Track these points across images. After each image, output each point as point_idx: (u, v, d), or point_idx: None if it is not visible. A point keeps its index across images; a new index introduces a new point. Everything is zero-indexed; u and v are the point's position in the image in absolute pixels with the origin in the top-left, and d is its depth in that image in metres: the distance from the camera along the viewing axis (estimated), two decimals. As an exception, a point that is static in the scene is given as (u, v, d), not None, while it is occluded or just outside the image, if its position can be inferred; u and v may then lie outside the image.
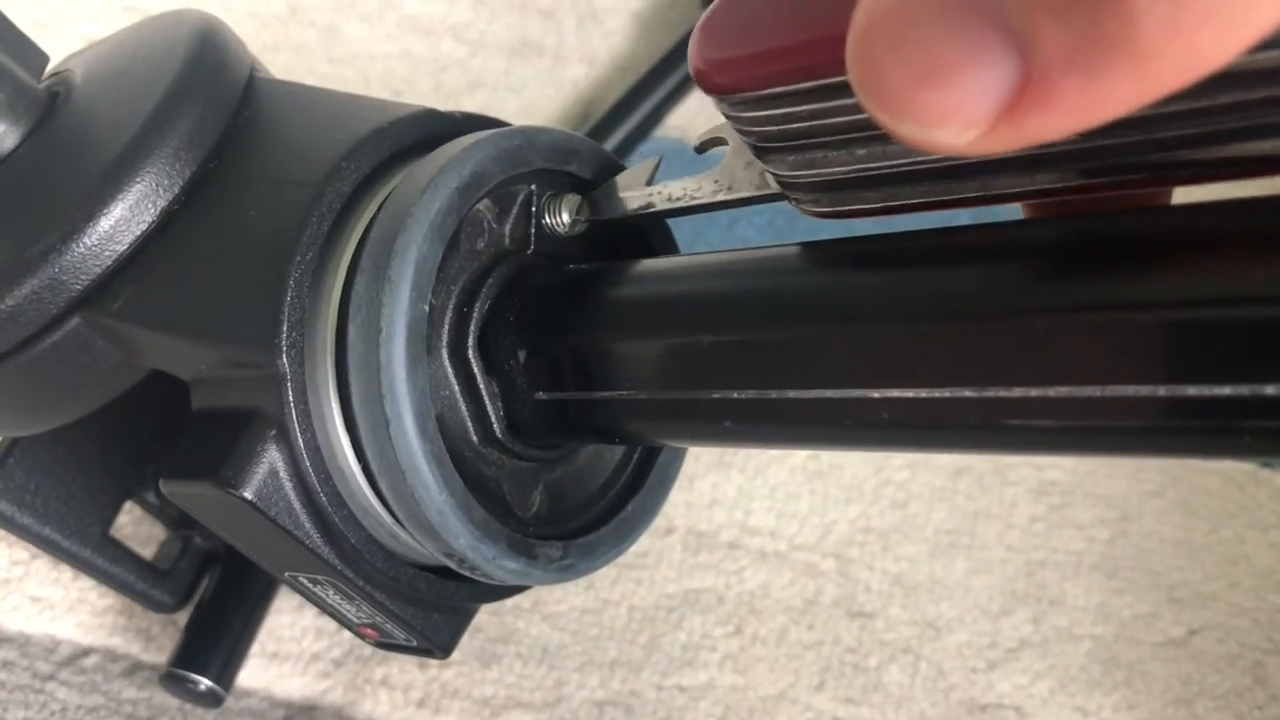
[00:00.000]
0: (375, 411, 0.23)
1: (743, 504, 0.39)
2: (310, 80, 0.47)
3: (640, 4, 0.49)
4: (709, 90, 0.20)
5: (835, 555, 0.38)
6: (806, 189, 0.21)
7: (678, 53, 0.46)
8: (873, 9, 0.14)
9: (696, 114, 0.47)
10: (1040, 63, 0.13)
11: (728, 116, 0.20)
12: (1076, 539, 0.39)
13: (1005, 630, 0.37)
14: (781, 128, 0.20)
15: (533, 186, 0.26)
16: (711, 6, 0.20)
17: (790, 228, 0.45)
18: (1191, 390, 0.16)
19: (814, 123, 0.19)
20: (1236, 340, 0.16)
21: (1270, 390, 0.15)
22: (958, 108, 0.13)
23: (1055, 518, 0.39)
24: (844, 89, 0.18)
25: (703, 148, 0.25)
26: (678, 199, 0.25)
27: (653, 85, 0.45)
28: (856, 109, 0.18)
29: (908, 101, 0.13)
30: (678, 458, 0.29)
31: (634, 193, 0.26)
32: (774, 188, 0.23)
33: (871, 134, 0.19)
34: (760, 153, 0.21)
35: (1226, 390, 0.16)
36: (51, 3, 0.49)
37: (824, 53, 0.18)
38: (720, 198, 0.24)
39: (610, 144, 0.44)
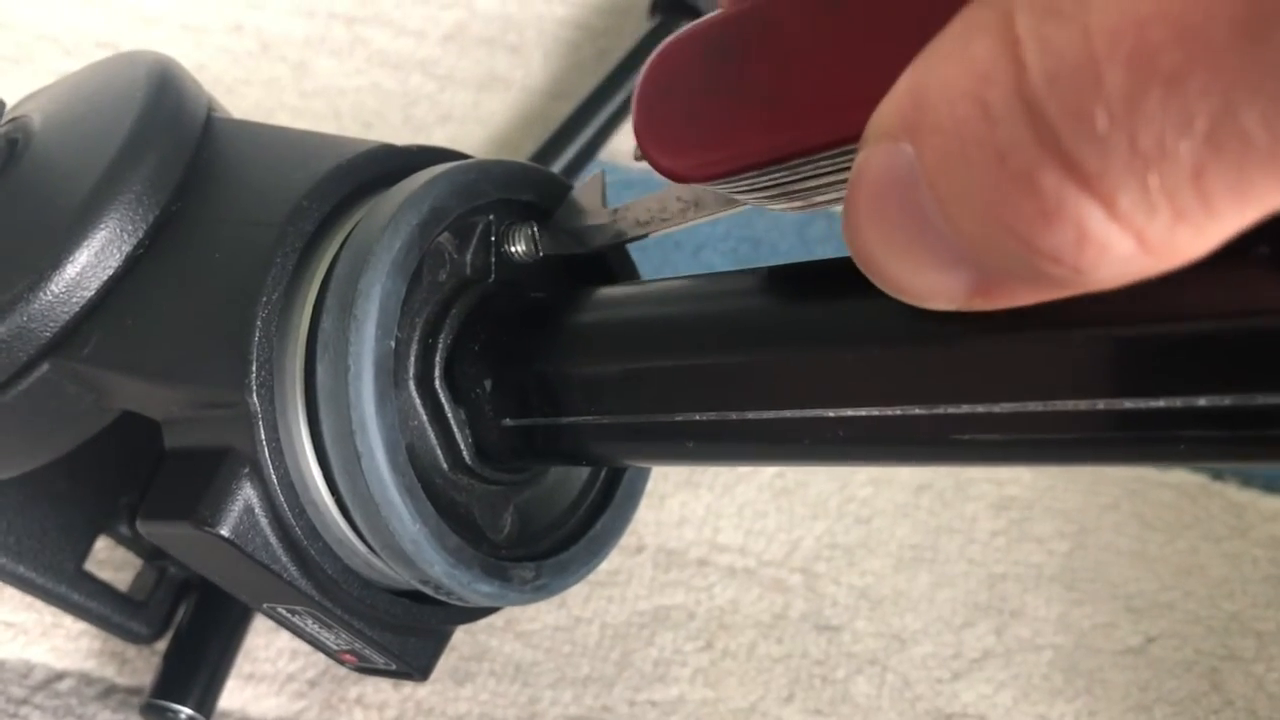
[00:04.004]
0: (347, 447, 0.24)
1: (711, 522, 0.40)
2: (282, 113, 0.48)
3: (607, 40, 0.51)
4: (669, 177, 0.21)
5: (802, 570, 0.39)
6: (779, 202, 0.22)
7: (616, 77, 0.47)
8: (858, 206, 0.16)
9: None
10: (991, 279, 0.15)
11: None
12: (1036, 552, 0.40)
13: (969, 641, 0.38)
14: (750, 190, 0.21)
15: (491, 216, 0.27)
16: (640, 89, 0.21)
17: (754, 254, 0.46)
18: (1128, 404, 0.17)
19: (781, 181, 0.20)
20: (1168, 356, 0.17)
21: (1202, 402, 0.16)
22: (933, 295, 0.16)
23: (1015, 532, 0.40)
24: (805, 160, 0.19)
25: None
26: (645, 222, 0.25)
27: (596, 108, 0.46)
28: (825, 164, 0.19)
29: (894, 285, 0.16)
30: (644, 474, 0.30)
31: (598, 220, 0.26)
32: (743, 202, 0.23)
33: (844, 166, 0.20)
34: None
35: (1161, 403, 0.17)
36: (23, 38, 0.49)
37: (777, 146, 0.19)
38: (690, 216, 0.25)
39: (558, 166, 0.45)
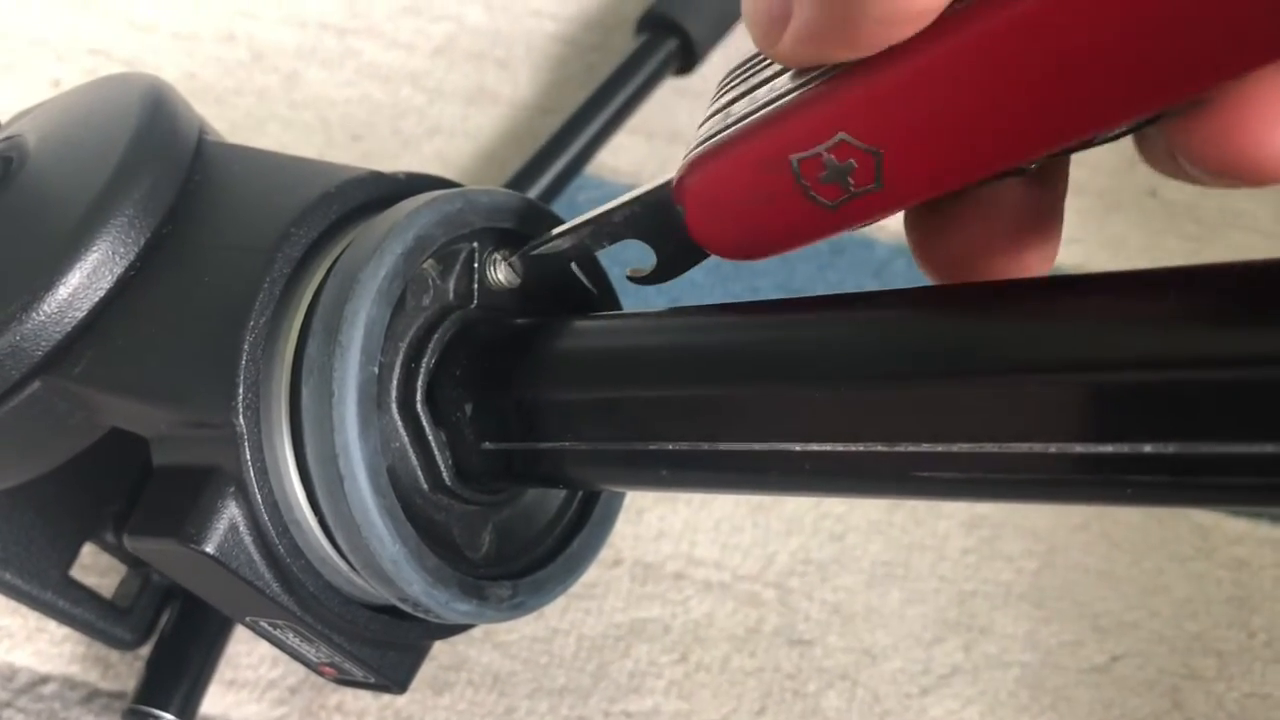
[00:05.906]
0: (330, 470, 0.25)
1: (688, 536, 0.41)
2: (272, 123, 0.49)
3: (595, 56, 0.51)
4: None
5: (776, 585, 0.40)
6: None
7: (601, 94, 0.48)
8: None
9: (648, 159, 0.49)
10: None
11: None
12: (1006, 570, 0.41)
13: (938, 657, 0.39)
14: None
15: (474, 244, 0.27)
16: None
17: (735, 272, 0.47)
18: (1079, 448, 0.18)
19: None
20: (1117, 404, 0.18)
21: (1148, 449, 0.17)
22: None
23: (985, 550, 0.41)
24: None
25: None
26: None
27: (581, 125, 0.47)
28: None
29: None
30: (621, 494, 0.31)
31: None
32: None
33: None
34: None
35: (1109, 448, 0.18)
36: (15, 44, 0.50)
37: None
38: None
39: (544, 182, 0.45)
